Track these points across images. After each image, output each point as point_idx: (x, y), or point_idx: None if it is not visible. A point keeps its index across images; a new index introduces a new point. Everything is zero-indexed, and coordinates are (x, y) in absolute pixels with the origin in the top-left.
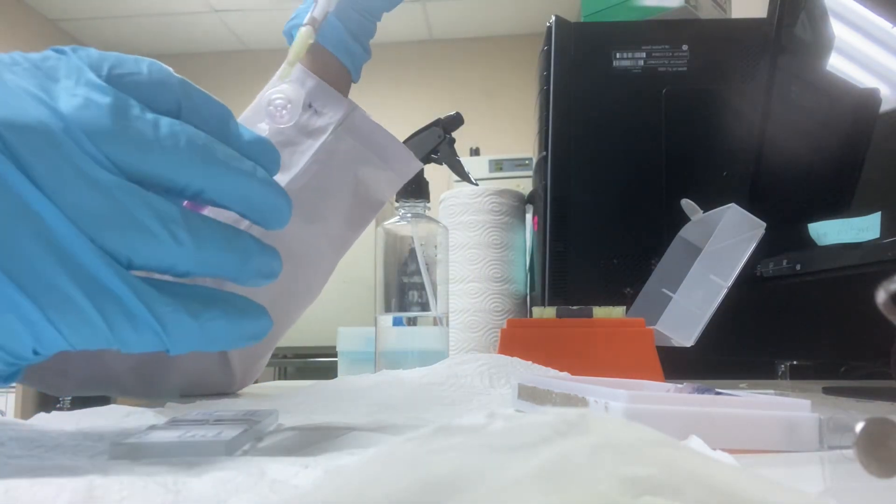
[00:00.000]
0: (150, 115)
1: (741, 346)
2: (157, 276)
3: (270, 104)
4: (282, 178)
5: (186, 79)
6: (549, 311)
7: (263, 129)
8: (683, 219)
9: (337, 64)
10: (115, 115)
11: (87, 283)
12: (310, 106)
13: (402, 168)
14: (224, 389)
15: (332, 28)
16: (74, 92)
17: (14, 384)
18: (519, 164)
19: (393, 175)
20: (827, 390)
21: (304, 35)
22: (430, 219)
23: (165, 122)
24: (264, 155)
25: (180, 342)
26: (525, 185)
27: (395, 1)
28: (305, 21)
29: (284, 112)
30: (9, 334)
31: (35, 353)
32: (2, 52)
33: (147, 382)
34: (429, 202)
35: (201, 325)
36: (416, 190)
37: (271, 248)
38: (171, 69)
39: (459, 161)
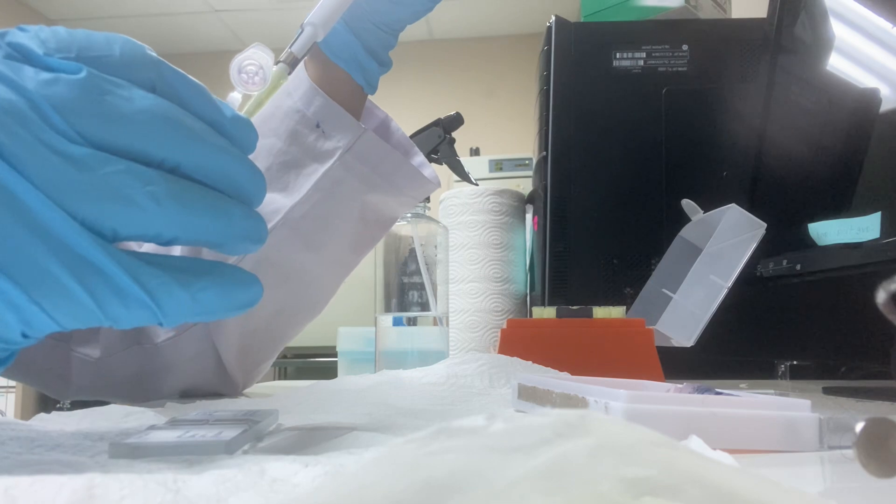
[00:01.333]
0: (122, 89)
1: (741, 346)
2: (145, 248)
3: (242, 71)
4: (284, 203)
5: (162, 59)
6: (549, 311)
7: (236, 97)
8: (683, 219)
9: (349, 80)
10: (85, 89)
11: (71, 260)
12: (317, 126)
13: (415, 192)
14: (226, 393)
15: (346, 44)
16: (42, 68)
17: (14, 384)
18: (519, 164)
19: (405, 199)
20: (827, 390)
21: (275, 76)
22: (430, 219)
23: (138, 93)
24: (242, 131)
25: (172, 314)
26: (525, 185)
27: (420, 13)
28: (281, 57)
29: (256, 78)
30: (2, 324)
31: (24, 335)
32: None
33: (147, 390)
34: (429, 202)
35: (192, 295)
36: None
37: (256, 212)
38: (146, 46)
39: (459, 161)
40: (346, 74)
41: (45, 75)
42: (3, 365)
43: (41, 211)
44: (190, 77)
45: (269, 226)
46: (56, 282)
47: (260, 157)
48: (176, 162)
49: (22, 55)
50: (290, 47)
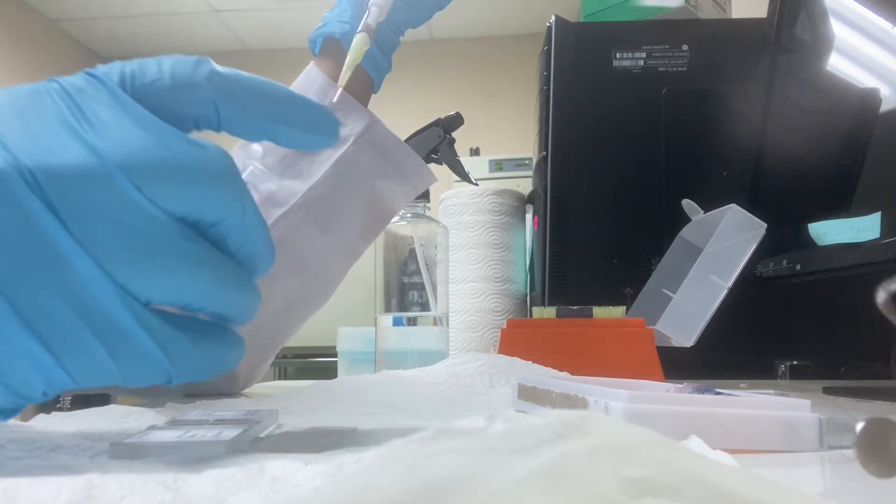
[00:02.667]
0: (187, 147)
1: (741, 346)
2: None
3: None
4: (301, 187)
5: (218, 67)
6: (549, 311)
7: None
8: (684, 219)
9: (363, 75)
10: (150, 153)
11: (106, 330)
12: None
13: (418, 182)
14: (227, 391)
15: None
16: (110, 126)
17: None
18: (519, 164)
19: (408, 188)
20: (827, 390)
21: (360, 41)
22: (430, 219)
23: (201, 153)
24: (321, 123)
25: (183, 373)
26: (525, 185)
27: (422, 19)
28: (361, 28)
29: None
30: (22, 378)
31: (44, 394)
32: (3, 52)
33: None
34: (429, 202)
35: (203, 354)
36: None
37: (256, 286)
38: (202, 60)
39: (459, 161)
40: (360, 69)
41: (113, 135)
42: (10, 416)
43: (88, 280)
44: (254, 82)
45: (286, 208)
46: (87, 350)
47: (275, 147)
48: (224, 231)
49: (88, 109)
50: (364, 21)
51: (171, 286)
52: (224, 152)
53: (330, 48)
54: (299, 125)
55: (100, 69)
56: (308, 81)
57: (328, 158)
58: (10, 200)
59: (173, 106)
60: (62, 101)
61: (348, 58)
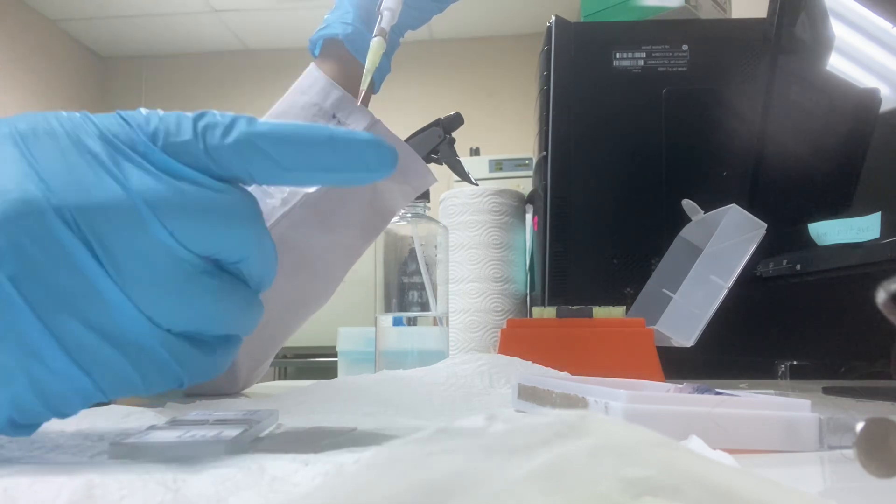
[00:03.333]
0: (212, 192)
1: (741, 346)
2: None
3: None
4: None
5: (255, 126)
6: (549, 311)
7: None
8: (684, 219)
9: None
10: (178, 196)
11: (134, 353)
12: (333, 116)
13: (418, 182)
14: (227, 389)
15: (368, 42)
16: (144, 169)
17: None
18: (519, 164)
19: (408, 188)
20: (827, 390)
21: (377, 46)
22: (430, 219)
23: (225, 199)
24: (367, 159)
25: (193, 378)
26: (525, 185)
27: (422, 20)
28: (375, 32)
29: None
30: (62, 399)
31: (77, 409)
32: (3, 53)
33: None
34: (429, 202)
35: (210, 361)
36: None
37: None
38: (238, 120)
39: (459, 161)
40: (361, 71)
41: (147, 178)
42: (34, 430)
43: (115, 304)
44: (284, 133)
45: (289, 206)
46: (115, 368)
47: None
48: (239, 259)
49: (128, 147)
50: (378, 25)
51: (191, 317)
52: (248, 196)
53: (331, 49)
54: (340, 169)
55: (134, 118)
56: (310, 82)
57: None
58: (47, 235)
59: (204, 166)
60: (99, 141)
61: (367, 63)
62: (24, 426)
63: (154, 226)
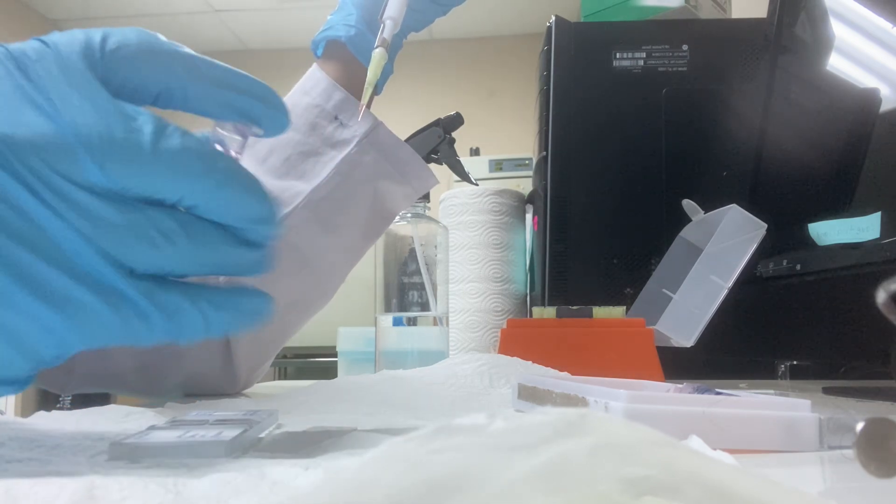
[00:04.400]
0: (150, 127)
1: (741, 346)
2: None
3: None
4: (304, 187)
5: (166, 42)
6: (549, 311)
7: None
8: (684, 219)
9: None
10: (116, 130)
11: (100, 288)
12: (336, 118)
13: (419, 183)
14: (227, 390)
15: (370, 45)
16: (72, 99)
17: None
18: (519, 164)
19: (410, 190)
20: (827, 390)
21: (379, 57)
22: (430, 219)
23: (169, 139)
24: (270, 97)
25: (187, 332)
26: (525, 185)
27: (425, 23)
28: (377, 43)
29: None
30: (36, 341)
31: (57, 357)
32: None
33: (151, 381)
34: (429, 202)
35: (204, 314)
36: None
37: (261, 247)
38: (154, 35)
39: (459, 161)
40: (363, 73)
41: (76, 110)
42: (24, 387)
43: (71, 245)
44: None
45: (290, 208)
46: (90, 307)
47: (279, 148)
48: (193, 203)
49: (47, 79)
50: (380, 35)
51: (148, 258)
52: (159, 122)
53: (334, 51)
54: (259, 98)
55: (57, 38)
56: (312, 83)
57: (332, 160)
58: None
59: (136, 77)
60: (16, 70)
61: (369, 74)
62: (10, 382)
63: (84, 163)
